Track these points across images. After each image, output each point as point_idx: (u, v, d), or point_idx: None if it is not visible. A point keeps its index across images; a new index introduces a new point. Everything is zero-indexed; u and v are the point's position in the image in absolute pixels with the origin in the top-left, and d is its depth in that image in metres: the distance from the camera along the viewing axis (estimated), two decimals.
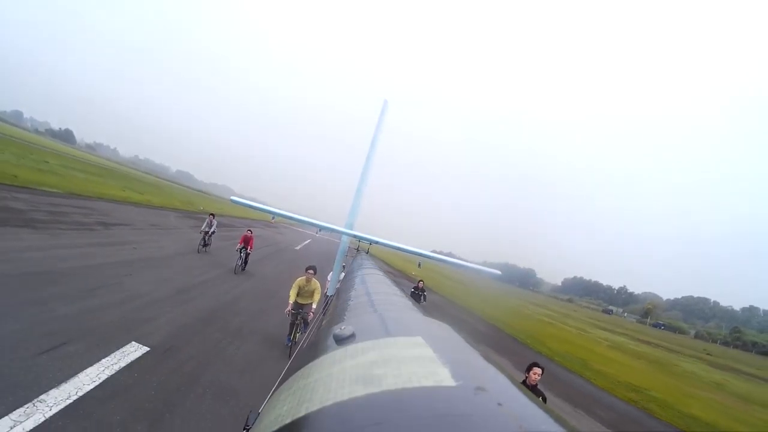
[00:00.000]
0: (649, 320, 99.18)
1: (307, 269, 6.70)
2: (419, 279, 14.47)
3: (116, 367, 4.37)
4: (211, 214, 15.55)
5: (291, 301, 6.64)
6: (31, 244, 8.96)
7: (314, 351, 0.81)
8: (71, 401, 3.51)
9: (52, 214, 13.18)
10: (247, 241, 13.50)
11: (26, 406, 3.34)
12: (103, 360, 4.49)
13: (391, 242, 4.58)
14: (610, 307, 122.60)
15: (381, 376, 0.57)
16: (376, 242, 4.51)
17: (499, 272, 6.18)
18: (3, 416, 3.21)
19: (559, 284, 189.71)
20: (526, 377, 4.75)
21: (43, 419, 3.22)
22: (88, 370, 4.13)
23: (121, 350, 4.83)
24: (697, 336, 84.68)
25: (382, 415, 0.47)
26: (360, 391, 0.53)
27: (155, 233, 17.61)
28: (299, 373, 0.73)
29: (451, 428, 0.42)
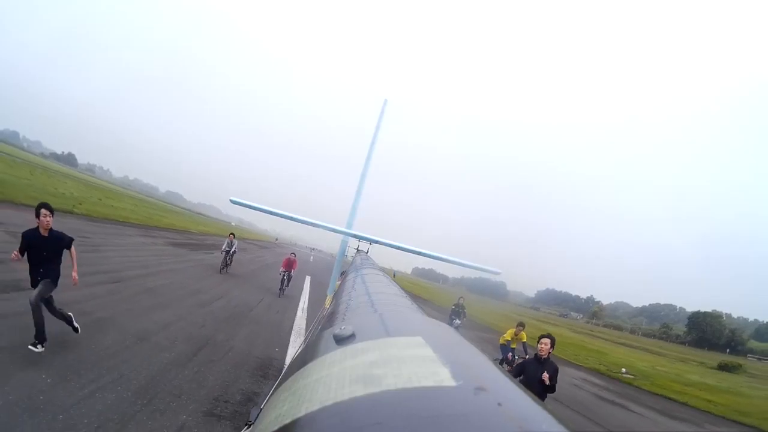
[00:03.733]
0: (594, 320, 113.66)
1: (342, 274, 7.25)
2: (459, 296, 14.77)
3: (309, 281, 20.21)
4: (231, 234, 15.63)
5: (326, 305, 7.20)
6: (241, 257, 20.58)
7: (314, 351, 0.77)
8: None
9: (210, 244, 24.00)
10: (290, 264, 13.46)
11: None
12: (307, 278, 20.98)
13: (392, 242, 4.57)
14: (538, 305, 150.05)
15: (381, 376, 0.54)
16: (377, 242, 4.50)
17: (499, 271, 6.19)
18: (302, 291, 16.08)
19: (533, 295, 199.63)
20: (537, 350, 4.92)
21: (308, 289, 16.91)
22: (307, 279, 20.57)
23: (306, 279, 20.45)
24: (631, 331, 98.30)
25: (382, 415, 0.46)
26: (360, 391, 0.51)
27: (259, 251, 35.67)
28: (299, 373, 0.69)
29: (451, 428, 0.41)
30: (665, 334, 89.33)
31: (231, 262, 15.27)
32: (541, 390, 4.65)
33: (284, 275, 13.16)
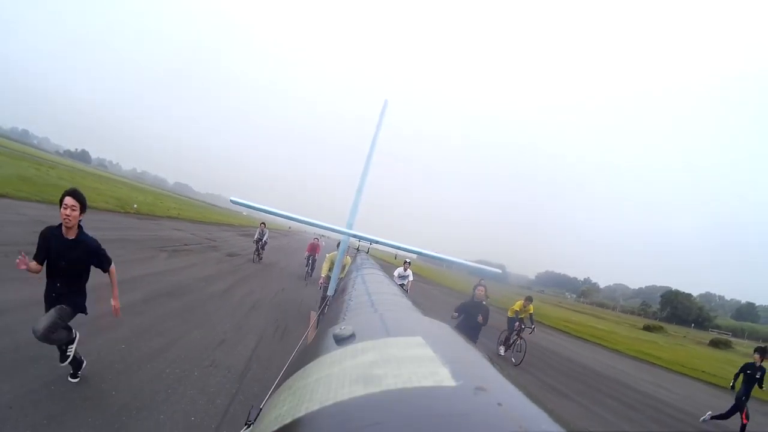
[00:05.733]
0: (582, 299, 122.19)
1: (338, 244, 7.12)
2: (480, 278, 15.19)
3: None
4: (263, 224, 14.53)
5: (323, 274, 7.21)
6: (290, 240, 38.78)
7: (314, 351, 0.76)
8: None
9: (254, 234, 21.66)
10: (314, 249, 13.29)
11: None
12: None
13: (391, 241, 4.56)
14: (535, 287, 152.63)
15: (381, 376, 0.53)
16: (376, 242, 4.49)
17: (499, 271, 6.20)
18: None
19: (533, 278, 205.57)
20: (474, 295, 6.05)
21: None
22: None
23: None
24: (612, 308, 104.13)
25: (382, 415, 0.44)
26: (360, 391, 0.50)
27: (283, 238, 39.55)
28: (299, 373, 0.68)
29: (451, 428, 0.39)
30: (643, 311, 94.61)
31: (263, 251, 14.60)
32: (476, 326, 5.84)
33: (309, 259, 13.29)
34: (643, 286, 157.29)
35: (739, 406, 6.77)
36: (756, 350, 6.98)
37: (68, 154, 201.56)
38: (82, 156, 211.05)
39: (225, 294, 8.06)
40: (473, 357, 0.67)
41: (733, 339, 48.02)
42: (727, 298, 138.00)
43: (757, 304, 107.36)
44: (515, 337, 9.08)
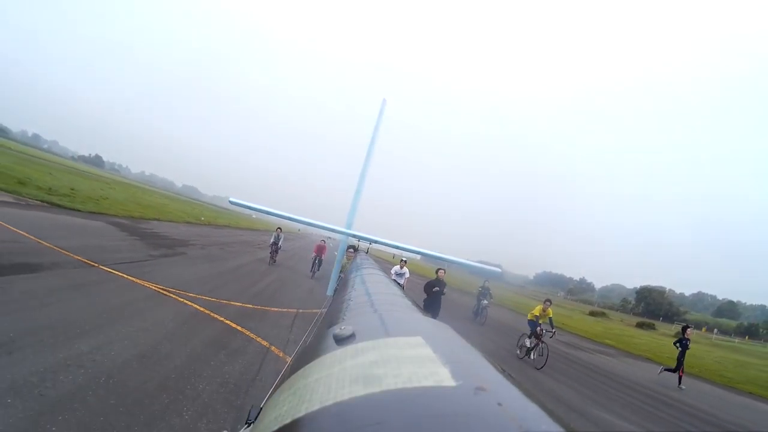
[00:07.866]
0: (567, 295, 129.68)
1: (348, 248, 7.59)
2: (485, 279, 16.41)
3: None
4: (279, 228, 14.77)
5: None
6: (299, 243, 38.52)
7: (314, 351, 0.74)
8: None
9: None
10: (320, 250, 13.84)
11: None
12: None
13: (391, 241, 4.56)
14: (534, 287, 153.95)
15: (381, 376, 0.53)
16: (376, 242, 4.49)
17: (499, 270, 6.19)
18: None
19: (532, 278, 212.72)
20: (437, 276, 8.24)
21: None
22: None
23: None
24: (592, 303, 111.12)
25: (382, 415, 0.43)
26: (360, 391, 0.50)
27: (298, 240, 47.26)
28: (299, 373, 0.67)
29: (451, 428, 0.40)
30: (623, 307, 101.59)
31: (276, 255, 14.65)
32: (438, 297, 7.98)
33: (315, 259, 14.02)
34: (638, 286, 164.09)
35: (679, 365, 10.47)
36: (682, 327, 11.18)
37: (83, 159, 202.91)
38: (96, 161, 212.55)
39: (300, 263, 16.49)
40: (473, 357, 0.67)
41: (672, 325, 56.50)
42: (719, 297, 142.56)
43: (746, 303, 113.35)
44: (536, 340, 9.17)
